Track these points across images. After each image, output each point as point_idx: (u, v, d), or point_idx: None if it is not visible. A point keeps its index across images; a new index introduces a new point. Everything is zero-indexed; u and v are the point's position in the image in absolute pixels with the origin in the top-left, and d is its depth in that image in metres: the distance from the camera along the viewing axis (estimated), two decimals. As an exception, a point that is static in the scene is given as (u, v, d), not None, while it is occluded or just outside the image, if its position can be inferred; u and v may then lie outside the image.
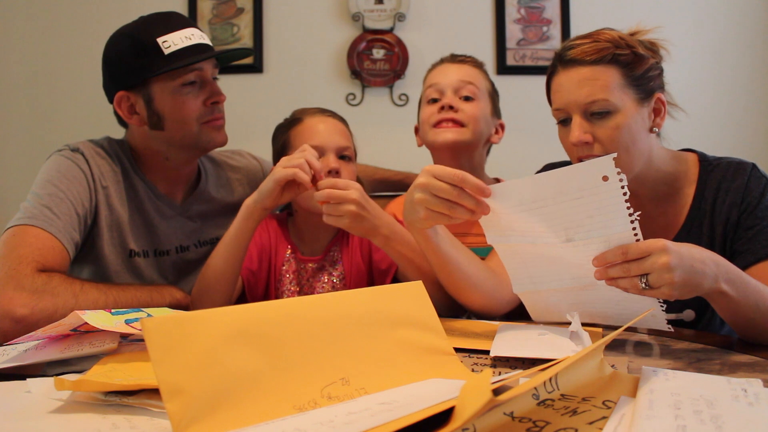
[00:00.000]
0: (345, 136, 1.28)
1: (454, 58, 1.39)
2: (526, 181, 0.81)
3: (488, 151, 1.44)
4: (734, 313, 0.87)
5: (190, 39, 1.15)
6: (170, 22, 1.17)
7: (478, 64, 1.40)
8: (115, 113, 1.22)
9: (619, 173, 0.73)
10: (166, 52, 1.13)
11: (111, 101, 1.21)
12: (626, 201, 0.75)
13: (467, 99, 1.31)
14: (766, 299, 0.86)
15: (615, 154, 0.73)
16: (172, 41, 1.14)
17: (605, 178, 0.74)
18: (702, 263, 0.78)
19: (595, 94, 0.97)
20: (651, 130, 1.03)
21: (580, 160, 1.01)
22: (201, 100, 1.18)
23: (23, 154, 2.35)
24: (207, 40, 1.20)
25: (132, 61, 1.15)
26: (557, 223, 0.80)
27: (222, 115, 1.23)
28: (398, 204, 1.45)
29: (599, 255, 0.78)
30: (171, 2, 2.30)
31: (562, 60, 1.02)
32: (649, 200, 1.09)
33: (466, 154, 1.33)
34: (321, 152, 1.21)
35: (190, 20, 1.22)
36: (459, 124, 1.29)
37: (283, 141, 1.30)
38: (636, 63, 0.99)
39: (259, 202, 1.10)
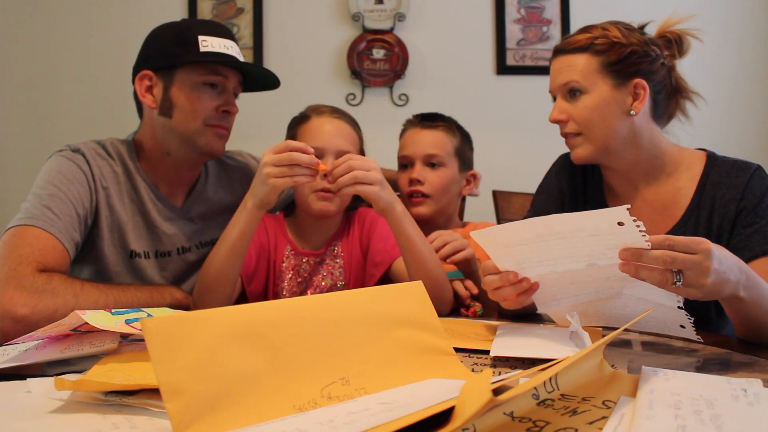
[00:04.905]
0: (348, 139, 1.29)
1: (424, 124, 1.51)
2: (542, 218, 0.80)
3: (463, 198, 1.63)
4: (745, 316, 0.88)
5: (228, 49, 1.21)
6: (216, 27, 1.23)
7: (447, 127, 1.51)
8: (134, 96, 1.25)
9: (635, 220, 0.73)
10: (203, 49, 1.18)
11: (134, 82, 1.24)
12: (647, 241, 0.74)
13: (433, 166, 1.48)
14: None
15: (629, 206, 0.72)
16: (212, 43, 1.19)
17: (620, 224, 0.74)
18: (730, 270, 0.78)
19: (569, 76, 1.09)
20: (628, 114, 1.07)
21: (563, 135, 1.14)
22: (215, 104, 1.21)
23: (23, 154, 2.35)
24: (242, 57, 1.25)
25: (169, 46, 1.20)
26: (578, 251, 0.80)
27: (228, 126, 1.26)
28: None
29: (630, 247, 0.77)
30: (171, 2, 2.31)
31: (554, 50, 1.15)
32: (644, 181, 1.12)
33: (435, 218, 1.50)
34: (320, 154, 1.23)
35: (233, 35, 1.27)
36: (425, 195, 1.48)
37: (290, 136, 1.34)
38: (611, 50, 1.07)
39: (262, 207, 1.11)
